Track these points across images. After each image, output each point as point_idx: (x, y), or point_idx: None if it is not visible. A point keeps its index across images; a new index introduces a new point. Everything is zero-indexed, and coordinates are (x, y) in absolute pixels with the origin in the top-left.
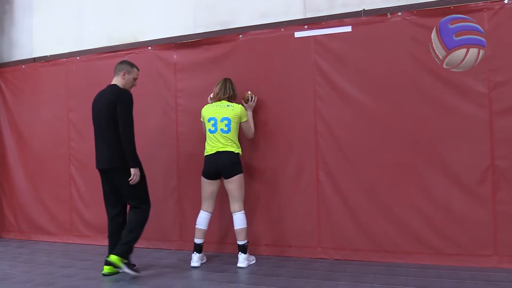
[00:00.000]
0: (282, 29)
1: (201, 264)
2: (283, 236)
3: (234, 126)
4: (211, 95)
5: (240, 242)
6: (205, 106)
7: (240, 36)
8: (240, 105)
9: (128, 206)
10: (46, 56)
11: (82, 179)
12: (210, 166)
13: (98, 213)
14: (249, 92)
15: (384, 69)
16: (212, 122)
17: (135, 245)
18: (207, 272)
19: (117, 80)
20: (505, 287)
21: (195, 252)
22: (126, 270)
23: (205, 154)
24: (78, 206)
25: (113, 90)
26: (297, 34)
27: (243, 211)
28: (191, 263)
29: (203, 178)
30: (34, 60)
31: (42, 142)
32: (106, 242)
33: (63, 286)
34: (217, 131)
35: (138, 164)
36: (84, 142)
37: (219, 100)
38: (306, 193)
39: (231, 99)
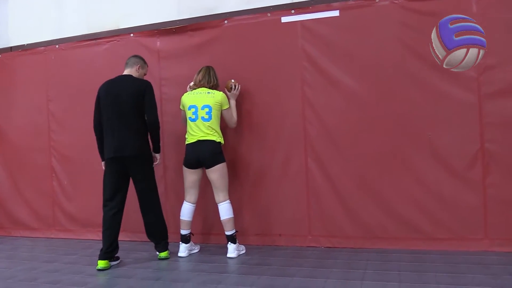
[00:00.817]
0: (269, 14)
1: (193, 253)
2: (272, 225)
3: (215, 114)
4: (191, 84)
5: (228, 232)
6: (185, 94)
7: (226, 21)
8: (221, 92)
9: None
10: (24, 44)
11: (64, 172)
12: (191, 155)
13: (82, 207)
14: (233, 81)
15: (372, 54)
16: (193, 110)
17: (122, 239)
18: (196, 263)
19: (131, 72)
20: (497, 269)
21: (181, 243)
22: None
23: (186, 143)
24: (60, 199)
25: (136, 79)
26: (284, 19)
27: (228, 201)
28: (178, 253)
29: (184, 168)
30: (11, 49)
31: (21, 134)
32: (90, 236)
33: (47, 281)
34: (198, 119)
35: (160, 150)
36: (65, 134)
37: (200, 88)
38: (295, 181)
39: (214, 88)
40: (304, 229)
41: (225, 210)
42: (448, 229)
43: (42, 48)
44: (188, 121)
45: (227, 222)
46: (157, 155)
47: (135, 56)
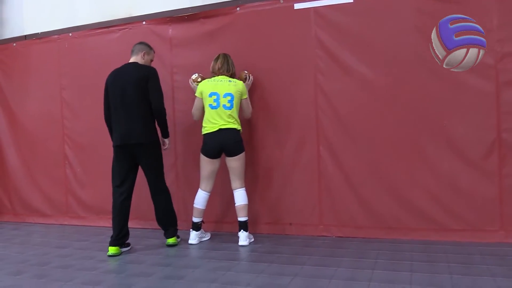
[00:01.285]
0: (281, 1)
1: (203, 241)
2: (283, 214)
3: (236, 102)
4: (193, 77)
5: (241, 219)
6: (204, 81)
7: (238, 8)
8: (241, 81)
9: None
10: (38, 33)
11: (77, 159)
12: (212, 144)
13: (94, 194)
14: (246, 72)
15: (387, 41)
16: (214, 97)
17: (133, 226)
18: (207, 250)
19: (136, 59)
20: None
21: (192, 230)
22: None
23: (205, 132)
24: (73, 187)
25: (140, 66)
26: (297, 6)
27: (244, 188)
28: (189, 240)
29: (203, 157)
30: (25, 37)
31: (35, 121)
32: (102, 223)
33: (58, 266)
34: (220, 107)
35: (169, 135)
36: (78, 121)
37: (220, 76)
38: (307, 169)
39: (232, 76)
40: (315, 218)
41: (241, 196)
42: (463, 220)
43: (56, 36)
44: (208, 108)
45: (242, 208)
46: (166, 140)
47: (140, 43)
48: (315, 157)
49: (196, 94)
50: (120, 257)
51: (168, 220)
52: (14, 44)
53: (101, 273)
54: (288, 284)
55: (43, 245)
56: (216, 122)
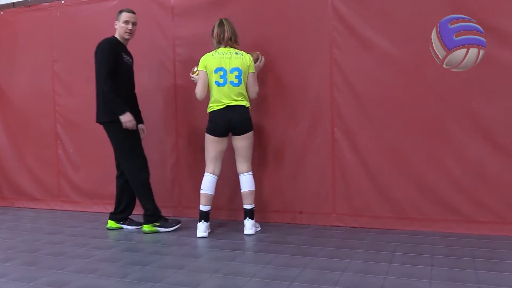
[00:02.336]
0: None
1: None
2: (293, 202)
3: (244, 78)
4: (195, 69)
5: (248, 206)
6: (207, 55)
7: None
8: (247, 53)
9: None
10: (27, 0)
11: (70, 139)
12: (220, 121)
13: (88, 177)
14: (258, 52)
15: (410, 12)
16: (221, 73)
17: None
18: (209, 239)
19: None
20: None
21: (202, 221)
22: (162, 230)
23: (211, 110)
24: (66, 169)
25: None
26: None
27: (251, 172)
28: (198, 233)
29: (209, 137)
30: (14, 5)
31: (24, 97)
32: (97, 208)
33: (49, 253)
34: (227, 84)
35: (122, 112)
36: (71, 97)
37: (226, 47)
38: (320, 153)
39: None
40: (328, 206)
41: (248, 181)
42: (490, 211)
43: (47, 4)
44: (214, 85)
45: (249, 195)
46: (121, 118)
47: None
48: (329, 140)
49: (199, 68)
50: (115, 245)
51: (141, 206)
52: (1, 13)
53: (95, 261)
54: (297, 276)
55: (33, 231)
56: (223, 100)
